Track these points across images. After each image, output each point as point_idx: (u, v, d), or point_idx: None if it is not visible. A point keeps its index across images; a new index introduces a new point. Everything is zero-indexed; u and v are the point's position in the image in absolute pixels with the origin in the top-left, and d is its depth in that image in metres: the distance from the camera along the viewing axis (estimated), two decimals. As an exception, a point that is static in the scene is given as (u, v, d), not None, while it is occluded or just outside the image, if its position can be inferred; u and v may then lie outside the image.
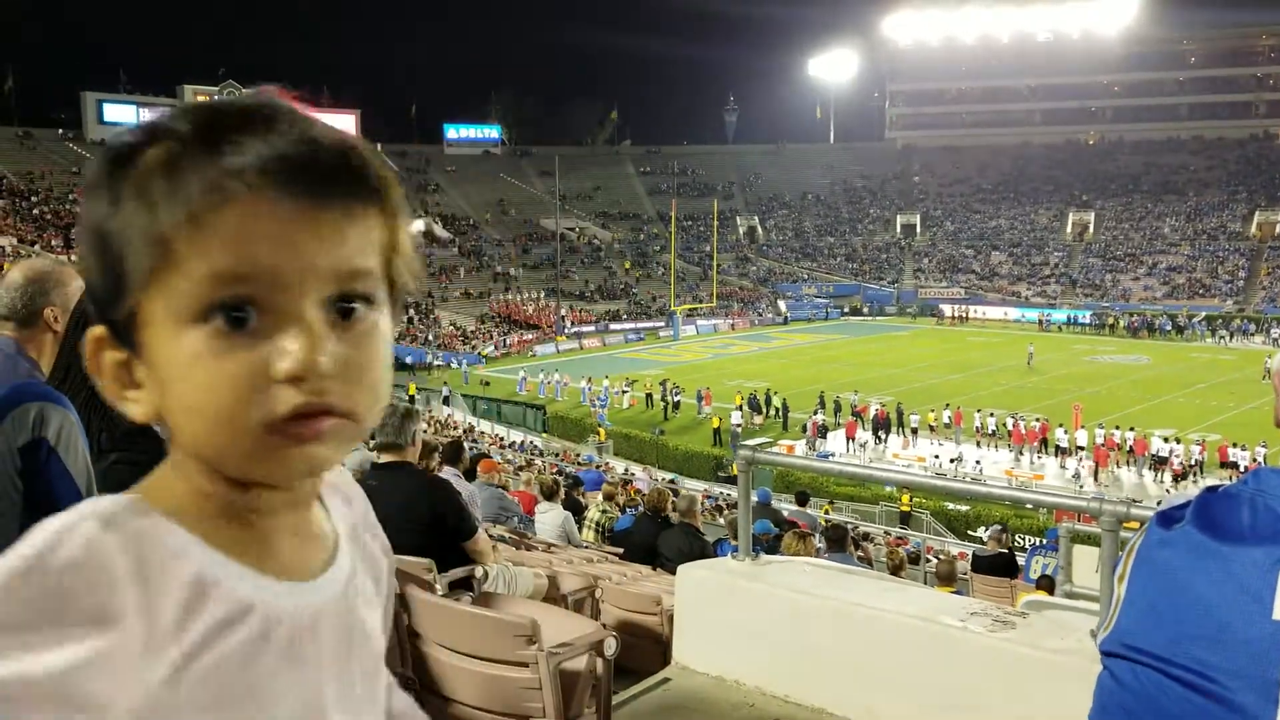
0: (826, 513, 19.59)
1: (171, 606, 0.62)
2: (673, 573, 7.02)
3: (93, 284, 0.67)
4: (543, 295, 63.10)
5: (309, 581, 0.73)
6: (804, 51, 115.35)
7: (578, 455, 30.36)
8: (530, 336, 55.80)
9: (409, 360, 48.43)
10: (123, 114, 72.73)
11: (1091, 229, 77.19)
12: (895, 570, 9.74)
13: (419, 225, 71.13)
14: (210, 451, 0.67)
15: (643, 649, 4.88)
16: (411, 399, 36.09)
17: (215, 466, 0.68)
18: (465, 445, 8.58)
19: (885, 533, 19.48)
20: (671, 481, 24.31)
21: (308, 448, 0.66)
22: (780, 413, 34.26)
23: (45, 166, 62.51)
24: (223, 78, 77.37)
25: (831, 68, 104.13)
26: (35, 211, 53.78)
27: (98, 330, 0.68)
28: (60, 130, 72.56)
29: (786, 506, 16.24)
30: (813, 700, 3.45)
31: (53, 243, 48.29)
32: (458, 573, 4.00)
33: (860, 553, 11.09)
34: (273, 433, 0.65)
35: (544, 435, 34.74)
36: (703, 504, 12.48)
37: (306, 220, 0.64)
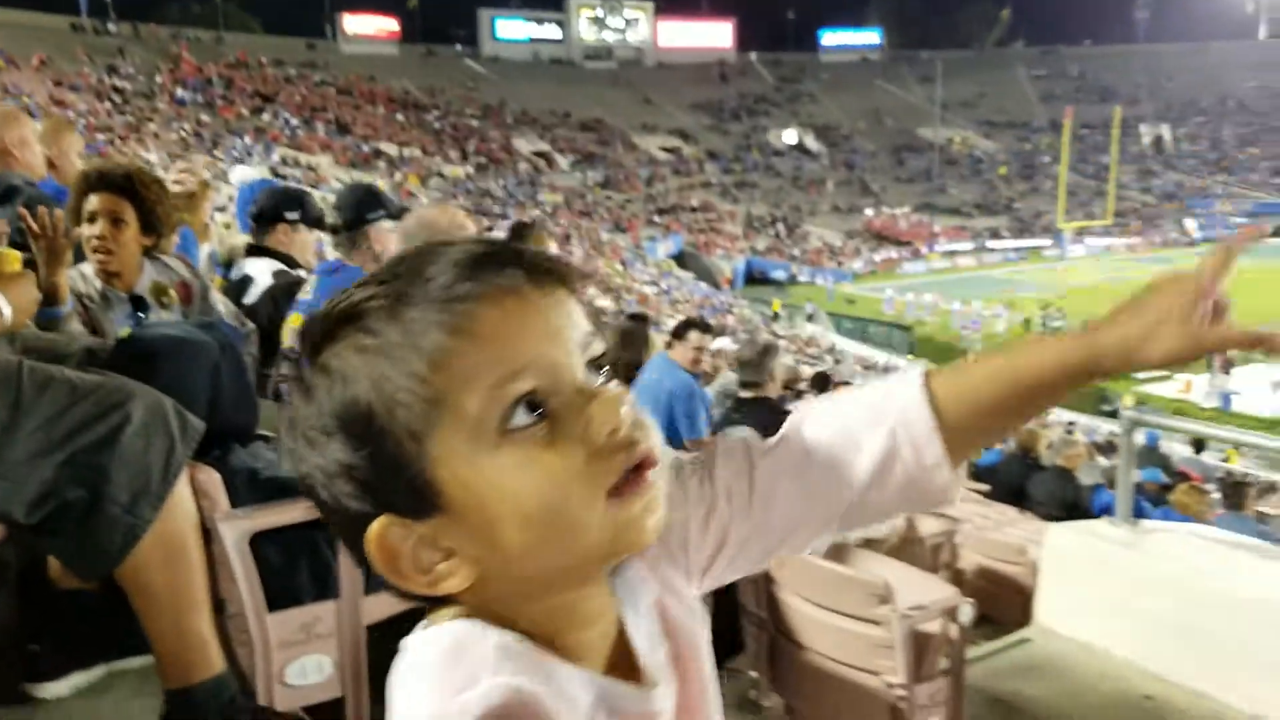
0: (1229, 460, 17.47)
1: None
2: (1043, 518, 6.72)
3: (363, 483, 0.63)
4: (915, 210, 60.94)
5: (650, 690, 0.71)
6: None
7: (945, 381, 29.34)
8: (900, 254, 54.23)
9: (776, 275, 48.88)
10: (514, 30, 77.28)
11: None
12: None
13: (790, 136, 71.01)
14: (567, 553, 0.65)
15: (1004, 599, 4.76)
16: (775, 316, 36.56)
17: (560, 579, 0.67)
18: (830, 376, 8.64)
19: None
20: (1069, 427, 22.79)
21: (646, 495, 0.65)
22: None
23: (444, 82, 66.26)
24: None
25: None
26: (436, 126, 57.20)
27: (380, 524, 0.63)
28: (458, 46, 76.78)
29: (1181, 451, 14.70)
30: (1193, 683, 3.21)
31: (450, 154, 52.29)
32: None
33: (1266, 511, 9.82)
34: (614, 495, 0.64)
35: (910, 358, 33.90)
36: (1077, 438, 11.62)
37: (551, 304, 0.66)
